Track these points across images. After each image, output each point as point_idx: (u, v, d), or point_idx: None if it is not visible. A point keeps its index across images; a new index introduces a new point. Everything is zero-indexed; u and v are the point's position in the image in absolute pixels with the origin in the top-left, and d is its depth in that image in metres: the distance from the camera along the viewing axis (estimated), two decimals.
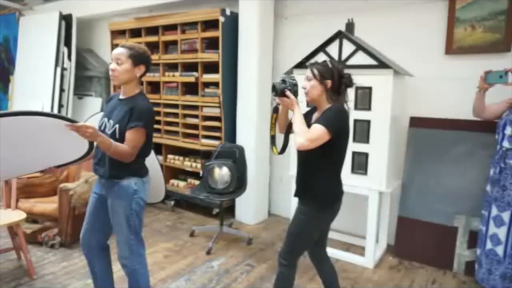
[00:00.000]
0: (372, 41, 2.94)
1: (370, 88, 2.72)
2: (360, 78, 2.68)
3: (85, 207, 2.95)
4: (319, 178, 1.89)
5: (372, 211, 2.77)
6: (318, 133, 1.72)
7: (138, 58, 1.93)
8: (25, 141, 1.67)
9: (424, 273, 2.76)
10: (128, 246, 1.97)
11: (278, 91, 1.84)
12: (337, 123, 1.77)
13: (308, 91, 1.87)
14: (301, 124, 1.78)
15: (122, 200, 1.92)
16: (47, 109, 4.92)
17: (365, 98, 2.76)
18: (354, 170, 2.83)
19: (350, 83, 1.89)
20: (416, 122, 3.00)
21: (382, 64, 2.64)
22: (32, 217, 3.11)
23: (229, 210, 3.74)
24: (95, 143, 1.80)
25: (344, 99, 1.89)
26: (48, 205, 3.13)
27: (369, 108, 2.74)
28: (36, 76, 5.16)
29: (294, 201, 2.13)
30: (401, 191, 3.02)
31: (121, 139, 1.86)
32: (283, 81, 1.85)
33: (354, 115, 2.78)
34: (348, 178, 2.83)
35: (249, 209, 3.67)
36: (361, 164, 2.80)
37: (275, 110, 1.98)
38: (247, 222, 3.67)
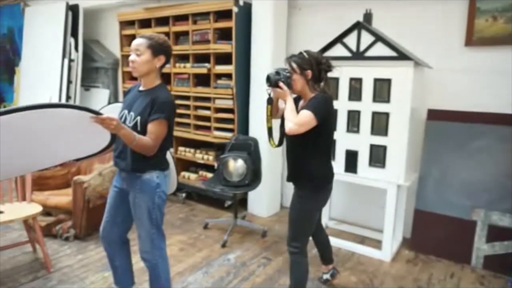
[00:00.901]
0: (389, 32, 2.89)
1: (389, 80, 2.68)
2: (379, 70, 2.72)
3: (99, 199, 2.97)
4: (310, 162, 1.97)
5: (390, 205, 2.75)
6: (305, 118, 1.82)
7: (158, 48, 1.88)
8: (45, 134, 1.63)
9: (441, 266, 2.74)
10: (150, 240, 1.94)
11: (272, 82, 1.93)
12: (322, 110, 1.85)
13: (291, 85, 1.93)
14: (292, 113, 1.86)
15: (145, 194, 1.89)
16: (55, 101, 4.88)
17: (384, 90, 2.72)
18: (371, 163, 2.80)
19: (329, 68, 1.96)
20: (434, 115, 2.96)
21: (402, 55, 2.60)
22: (45, 210, 3.09)
23: (241, 203, 3.72)
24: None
25: (327, 85, 1.98)
26: (62, 197, 3.11)
27: (388, 101, 2.70)
28: (43, 68, 5.10)
29: None
30: (418, 184, 2.99)
31: (143, 132, 1.83)
32: (277, 73, 1.93)
33: (372, 107, 2.76)
34: (365, 171, 2.84)
35: (262, 201, 3.65)
36: (379, 157, 2.77)
37: (270, 101, 2.04)
38: (260, 214, 3.66)
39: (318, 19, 3.50)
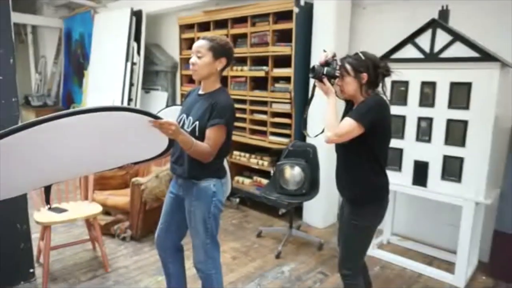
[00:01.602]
0: (467, 31, 2.57)
1: (469, 84, 2.39)
2: (456, 73, 2.43)
3: (155, 202, 2.99)
4: (365, 174, 1.78)
5: (466, 224, 2.45)
6: (347, 128, 1.66)
7: (219, 51, 1.81)
8: (106, 136, 1.62)
9: None
10: (204, 250, 1.88)
11: (316, 74, 1.80)
12: (370, 116, 1.67)
13: (343, 88, 1.78)
14: (331, 116, 1.73)
15: (201, 202, 1.82)
16: (117, 103, 5.10)
17: (461, 95, 2.44)
18: (444, 176, 2.52)
19: (387, 73, 1.78)
20: None
21: (486, 56, 2.30)
22: (105, 209, 3.18)
23: (296, 211, 3.56)
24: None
25: (383, 91, 1.78)
26: (120, 198, 3.19)
27: (466, 107, 2.41)
28: (108, 71, 5.37)
29: None
30: (499, 202, 2.63)
31: (201, 137, 1.76)
32: (327, 68, 1.79)
33: (447, 114, 2.48)
34: (437, 185, 2.56)
35: (318, 211, 3.48)
36: (453, 169, 2.48)
37: (314, 88, 1.90)
38: (315, 225, 3.48)
39: (384, 18, 3.25)
